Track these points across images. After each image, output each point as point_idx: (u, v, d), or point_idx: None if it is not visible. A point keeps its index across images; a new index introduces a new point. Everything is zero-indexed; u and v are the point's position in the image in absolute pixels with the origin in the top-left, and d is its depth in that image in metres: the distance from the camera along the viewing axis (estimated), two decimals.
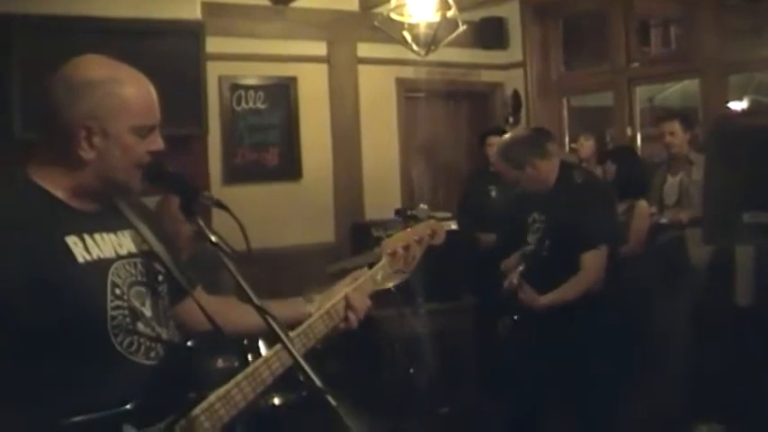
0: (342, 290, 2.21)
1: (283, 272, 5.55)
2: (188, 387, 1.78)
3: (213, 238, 1.73)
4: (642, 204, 5.25)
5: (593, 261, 3.66)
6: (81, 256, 1.73)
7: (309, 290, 2.25)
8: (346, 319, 2.18)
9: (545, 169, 3.84)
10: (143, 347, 1.79)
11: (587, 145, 6.39)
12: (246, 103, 6.35)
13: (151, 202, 2.19)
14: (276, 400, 3.31)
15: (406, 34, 5.12)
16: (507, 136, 4.14)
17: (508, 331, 3.85)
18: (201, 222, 1.75)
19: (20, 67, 4.86)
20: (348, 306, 2.18)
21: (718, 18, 5.94)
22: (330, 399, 1.56)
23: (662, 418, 4.68)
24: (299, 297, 2.22)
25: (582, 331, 3.63)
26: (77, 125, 1.73)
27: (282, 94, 6.48)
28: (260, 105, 6.39)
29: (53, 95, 1.75)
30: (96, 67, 1.79)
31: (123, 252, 1.85)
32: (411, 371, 4.76)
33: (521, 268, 3.72)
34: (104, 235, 1.82)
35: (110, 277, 1.77)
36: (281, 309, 2.15)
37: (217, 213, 1.80)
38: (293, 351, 1.64)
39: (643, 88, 7.01)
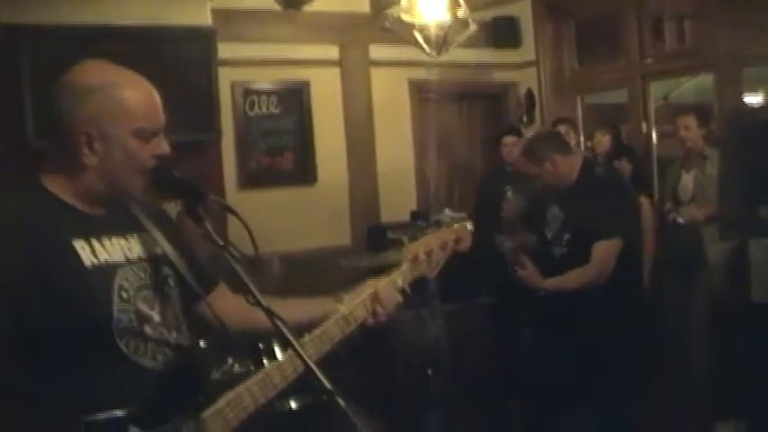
0: (362, 294, 2.20)
1: (299, 276, 5.55)
2: (197, 390, 1.78)
3: (221, 242, 1.72)
4: (645, 201, 5.25)
5: (602, 251, 3.66)
6: (88, 259, 1.74)
7: (333, 291, 2.23)
8: (374, 313, 2.18)
9: (564, 165, 3.86)
10: (150, 350, 1.79)
11: (604, 140, 6.35)
12: (260, 108, 6.36)
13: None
14: (293, 404, 3.30)
15: (418, 35, 5.10)
16: (531, 134, 4.16)
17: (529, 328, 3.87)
18: (209, 226, 1.75)
19: (32, 76, 4.89)
20: (376, 300, 2.17)
21: (732, 12, 5.88)
22: (340, 400, 1.55)
23: (680, 416, 4.64)
24: (328, 297, 2.21)
25: (598, 327, 3.62)
26: (78, 131, 1.74)
27: (295, 98, 6.48)
28: (273, 110, 6.40)
29: (56, 103, 1.77)
30: (96, 73, 1.80)
31: (133, 256, 1.85)
32: (429, 372, 4.74)
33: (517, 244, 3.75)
34: (113, 239, 1.83)
35: (117, 281, 1.77)
36: (311, 307, 2.16)
37: (232, 219, 1.80)
38: (300, 352, 1.64)
39: (658, 85, 6.96)
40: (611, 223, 3.71)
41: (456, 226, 2.50)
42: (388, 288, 2.23)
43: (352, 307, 2.15)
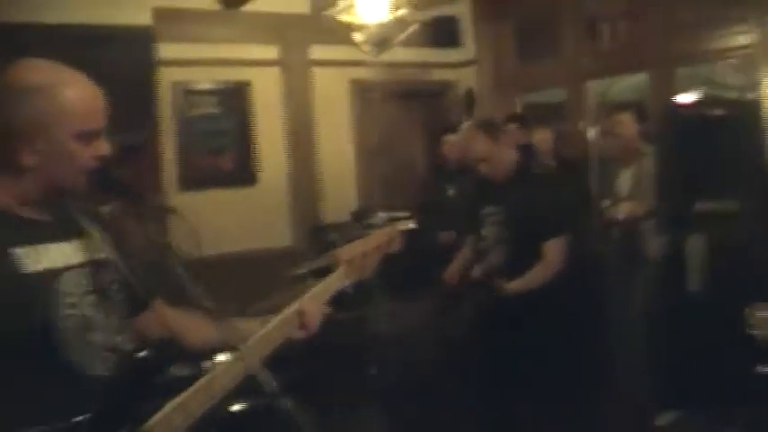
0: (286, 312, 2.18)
1: (241, 277, 5.51)
2: (144, 397, 1.75)
3: (162, 243, 1.69)
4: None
5: (555, 249, 3.71)
6: (28, 266, 1.69)
7: (268, 300, 2.21)
8: (302, 326, 2.16)
9: (506, 154, 3.89)
10: (96, 358, 1.75)
11: (546, 138, 6.41)
12: (200, 108, 6.30)
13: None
14: (238, 406, 3.28)
15: (358, 35, 5.11)
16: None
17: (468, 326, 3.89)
18: (150, 227, 1.72)
19: None
20: (302, 314, 2.15)
21: (665, 13, 6.01)
22: (285, 402, 1.55)
23: (623, 408, 4.70)
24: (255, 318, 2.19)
25: (543, 322, 3.66)
26: (17, 133, 1.69)
27: (236, 98, 6.44)
28: (213, 110, 6.35)
29: None
30: (35, 72, 1.73)
31: (75, 261, 1.80)
32: (373, 372, 4.75)
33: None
34: (54, 244, 1.78)
35: (60, 287, 1.73)
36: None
37: (173, 223, 1.77)
38: (245, 356, 1.63)
39: (596, 83, 7.07)
40: (558, 220, 3.76)
41: (387, 228, 2.55)
42: (313, 302, 2.21)
43: (289, 311, 2.13)
